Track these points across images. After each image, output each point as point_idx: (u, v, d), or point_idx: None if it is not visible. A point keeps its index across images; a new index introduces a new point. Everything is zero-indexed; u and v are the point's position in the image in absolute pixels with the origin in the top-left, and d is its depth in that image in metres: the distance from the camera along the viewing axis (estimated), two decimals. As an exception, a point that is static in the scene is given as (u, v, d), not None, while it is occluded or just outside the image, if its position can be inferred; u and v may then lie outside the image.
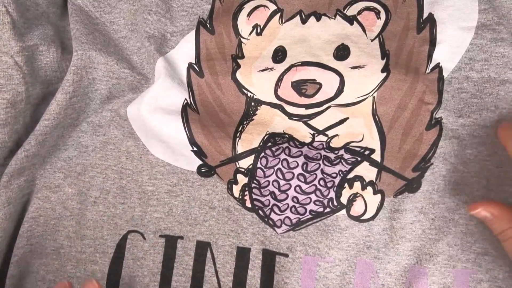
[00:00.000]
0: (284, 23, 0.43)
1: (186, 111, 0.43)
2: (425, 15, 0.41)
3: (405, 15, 0.42)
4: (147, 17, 0.44)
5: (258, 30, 0.43)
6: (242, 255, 0.41)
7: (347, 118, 0.41)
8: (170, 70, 0.44)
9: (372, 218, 0.40)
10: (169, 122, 0.43)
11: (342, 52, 0.41)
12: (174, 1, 0.45)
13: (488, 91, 0.40)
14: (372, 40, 0.42)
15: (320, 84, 0.40)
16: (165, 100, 0.43)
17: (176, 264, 0.41)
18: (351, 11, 0.42)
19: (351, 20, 0.42)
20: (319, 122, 0.41)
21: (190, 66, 0.44)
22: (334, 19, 0.42)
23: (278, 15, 0.43)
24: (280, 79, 0.41)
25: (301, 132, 0.42)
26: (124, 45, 0.45)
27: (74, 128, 0.45)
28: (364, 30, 0.42)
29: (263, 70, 0.42)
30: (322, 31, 0.42)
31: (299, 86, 0.41)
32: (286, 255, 0.40)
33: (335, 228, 0.40)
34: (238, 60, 0.43)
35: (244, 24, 0.43)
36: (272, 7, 0.43)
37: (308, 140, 0.42)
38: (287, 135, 0.42)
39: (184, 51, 0.44)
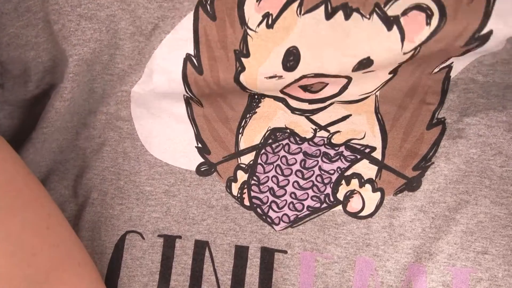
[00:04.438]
0: (303, 14, 0.34)
1: (191, 105, 0.42)
2: (485, 30, 0.33)
3: (463, 25, 0.33)
4: (148, 5, 0.38)
5: (269, 22, 0.36)
6: (241, 253, 0.41)
7: (350, 115, 0.41)
8: (164, 66, 0.40)
9: (371, 215, 0.40)
10: (178, 118, 0.42)
11: (363, 67, 0.36)
12: None
13: (494, 93, 0.39)
14: (405, 54, 0.34)
15: (327, 83, 0.40)
16: (168, 98, 0.42)
17: (175, 263, 0.41)
18: (395, 9, 0.33)
19: (390, 23, 0.33)
20: (321, 118, 0.41)
21: (187, 57, 0.39)
22: (369, 19, 0.33)
23: (296, 3, 0.34)
24: (288, 85, 0.39)
25: (303, 126, 0.42)
26: (116, 27, 0.39)
27: (69, 131, 0.44)
28: (402, 40, 0.34)
29: (270, 77, 0.38)
30: (348, 34, 0.34)
31: (306, 87, 0.40)
32: (285, 252, 0.41)
33: (331, 224, 0.41)
34: (243, 60, 0.38)
35: (253, 12, 0.36)
36: None
37: (309, 135, 0.41)
38: (288, 130, 0.42)
39: (180, 38, 0.38)
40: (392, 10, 0.33)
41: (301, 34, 0.35)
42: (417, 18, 0.33)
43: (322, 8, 0.34)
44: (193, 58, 0.39)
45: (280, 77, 0.37)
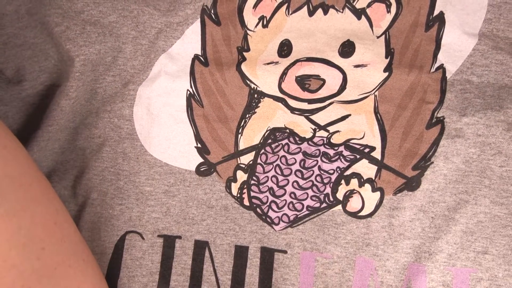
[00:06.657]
0: (291, 14, 0.42)
1: (191, 105, 0.43)
2: (436, 11, 0.41)
3: (416, 10, 0.41)
4: (153, 11, 0.43)
5: (264, 22, 0.43)
6: (240, 253, 0.41)
7: (349, 115, 0.41)
8: (171, 66, 0.43)
9: (370, 215, 0.40)
10: (177, 119, 0.43)
11: (347, 49, 0.41)
12: None
13: (489, 94, 0.40)
14: (378, 37, 0.41)
15: (324, 80, 0.41)
16: (170, 97, 0.43)
17: (175, 263, 0.41)
18: (361, 3, 0.41)
19: (359, 13, 0.41)
20: (321, 118, 0.42)
21: (195, 57, 0.44)
22: (342, 12, 0.41)
23: (285, 6, 0.42)
24: (284, 73, 0.42)
25: (303, 126, 0.42)
26: (118, 31, 0.43)
27: (70, 131, 0.44)
28: (371, 26, 0.41)
29: (268, 64, 0.42)
30: (328, 25, 0.42)
31: (303, 81, 0.41)
32: (285, 252, 0.41)
33: (331, 223, 0.41)
34: (244, 53, 0.43)
35: (250, 16, 0.43)
36: None
37: (309, 135, 0.42)
38: (288, 130, 0.42)
39: (190, 43, 0.44)
40: (360, 4, 0.42)
41: (291, 29, 0.42)
42: (379, 8, 0.41)
43: (305, 8, 0.42)
44: (200, 57, 0.43)
45: (277, 62, 0.42)
